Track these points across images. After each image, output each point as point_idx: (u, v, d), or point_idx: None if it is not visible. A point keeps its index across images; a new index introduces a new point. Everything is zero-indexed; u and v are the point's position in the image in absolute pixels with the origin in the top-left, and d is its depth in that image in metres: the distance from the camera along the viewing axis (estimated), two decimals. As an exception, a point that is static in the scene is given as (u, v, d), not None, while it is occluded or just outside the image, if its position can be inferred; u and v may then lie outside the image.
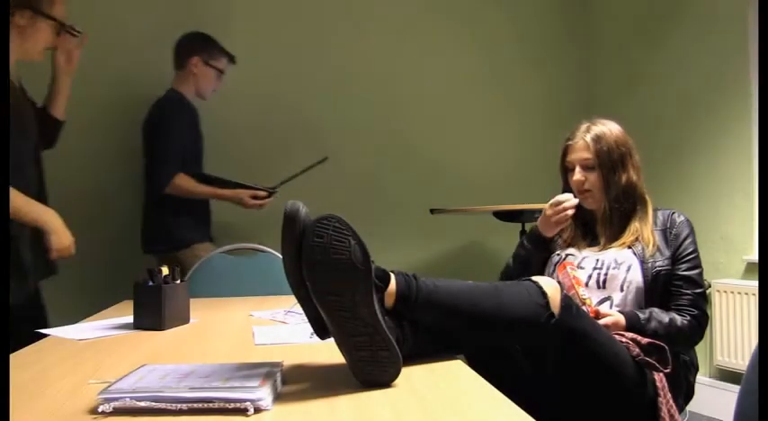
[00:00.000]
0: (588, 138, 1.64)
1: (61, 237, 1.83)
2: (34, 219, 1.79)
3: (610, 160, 1.62)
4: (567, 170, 1.70)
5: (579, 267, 1.62)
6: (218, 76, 2.75)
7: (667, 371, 1.30)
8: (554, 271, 1.65)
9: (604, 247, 1.63)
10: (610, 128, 1.66)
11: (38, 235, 1.82)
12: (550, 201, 1.67)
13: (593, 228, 1.69)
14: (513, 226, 3.06)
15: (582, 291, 1.51)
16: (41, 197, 1.93)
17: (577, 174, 1.65)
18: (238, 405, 0.77)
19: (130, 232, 2.76)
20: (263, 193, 2.67)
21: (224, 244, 2.44)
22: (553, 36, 3.66)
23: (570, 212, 1.64)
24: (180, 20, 2.95)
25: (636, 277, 1.54)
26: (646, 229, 1.60)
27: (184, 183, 2.56)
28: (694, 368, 1.56)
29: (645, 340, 1.35)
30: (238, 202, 2.67)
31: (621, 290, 1.55)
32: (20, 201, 1.74)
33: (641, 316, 1.48)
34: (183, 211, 2.61)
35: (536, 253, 1.72)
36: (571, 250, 1.68)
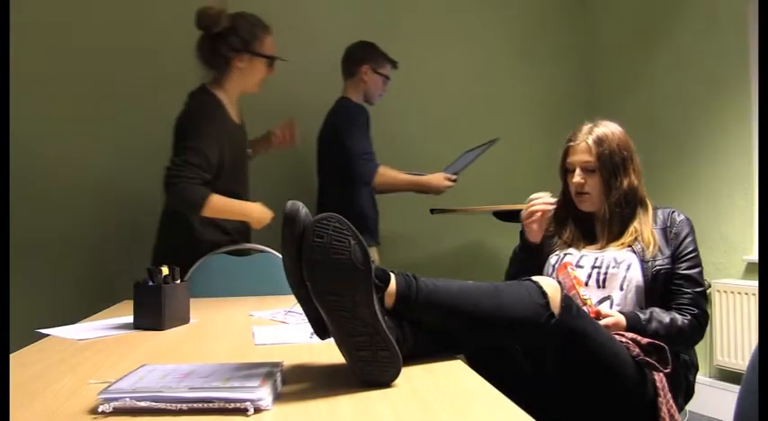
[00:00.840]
0: (590, 140, 1.62)
1: (261, 222, 2.23)
2: (240, 215, 2.23)
3: (612, 164, 1.61)
4: (566, 171, 1.69)
5: (577, 266, 1.61)
6: (384, 82, 2.89)
7: (667, 370, 1.30)
8: (552, 272, 1.64)
9: (603, 247, 1.63)
10: (612, 130, 1.64)
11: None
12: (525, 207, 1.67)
13: (591, 229, 1.69)
14: (513, 226, 3.04)
15: (583, 292, 1.51)
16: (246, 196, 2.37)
17: (577, 177, 1.63)
18: (238, 405, 0.77)
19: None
20: (453, 177, 2.85)
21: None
22: (553, 36, 3.65)
23: (541, 209, 1.64)
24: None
25: (636, 276, 1.54)
26: (646, 231, 1.59)
27: (388, 172, 2.74)
28: (694, 367, 1.56)
29: (645, 340, 1.35)
30: (435, 187, 2.82)
31: (621, 289, 1.54)
32: (227, 204, 2.15)
33: (642, 316, 1.48)
34: (364, 215, 2.75)
35: (529, 260, 1.72)
36: (569, 250, 1.68)
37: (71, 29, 2.93)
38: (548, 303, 1.12)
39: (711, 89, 2.91)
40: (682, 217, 1.62)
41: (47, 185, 2.89)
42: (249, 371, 0.88)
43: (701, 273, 1.57)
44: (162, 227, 2.31)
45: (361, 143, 2.71)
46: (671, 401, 1.34)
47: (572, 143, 1.66)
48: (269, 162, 2.89)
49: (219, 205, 2.10)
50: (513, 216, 2.97)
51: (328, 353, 1.08)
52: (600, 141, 1.61)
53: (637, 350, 1.32)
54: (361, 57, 2.82)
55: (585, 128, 1.66)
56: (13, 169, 2.62)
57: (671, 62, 3.14)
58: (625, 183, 1.61)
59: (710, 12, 2.91)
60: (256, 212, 2.22)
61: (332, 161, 2.78)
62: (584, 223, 1.70)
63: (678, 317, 1.51)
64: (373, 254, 2.75)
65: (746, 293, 2.66)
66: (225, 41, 2.17)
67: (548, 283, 1.16)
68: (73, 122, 2.92)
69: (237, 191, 2.26)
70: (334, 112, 2.80)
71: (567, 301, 1.17)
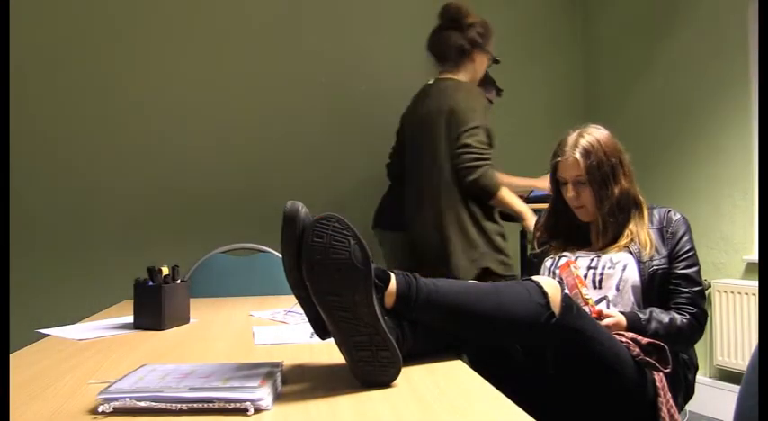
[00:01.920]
0: (577, 154, 1.58)
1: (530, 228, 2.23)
2: (519, 212, 2.33)
3: (601, 174, 1.58)
4: (558, 183, 1.67)
5: (573, 267, 1.60)
6: (487, 105, 2.99)
7: (667, 370, 1.30)
8: (549, 275, 1.63)
9: (599, 251, 1.62)
10: (597, 137, 1.60)
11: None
12: None
13: (585, 234, 1.68)
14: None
15: (585, 291, 1.50)
16: None
17: (570, 191, 1.62)
18: (238, 405, 0.77)
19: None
20: None
21: (224, 244, 2.44)
22: (552, 36, 3.65)
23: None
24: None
25: (632, 276, 1.54)
26: (642, 232, 1.58)
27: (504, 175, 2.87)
28: (693, 367, 1.56)
29: (645, 340, 1.35)
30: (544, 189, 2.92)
31: (618, 289, 1.54)
32: (512, 200, 2.29)
33: (642, 316, 1.48)
34: None
35: None
36: (564, 253, 1.66)
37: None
38: (548, 303, 1.12)
39: (711, 89, 2.91)
40: (678, 216, 1.62)
41: (47, 185, 2.89)
42: (249, 371, 0.88)
43: (698, 272, 1.57)
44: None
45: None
46: (671, 401, 1.34)
47: (559, 158, 1.62)
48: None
49: (506, 199, 2.24)
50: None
51: (328, 353, 1.08)
52: (587, 153, 1.58)
53: (637, 350, 1.31)
54: None
55: (571, 139, 1.62)
56: (14, 168, 2.62)
57: (671, 61, 3.14)
58: (616, 190, 1.59)
59: (710, 12, 2.91)
60: (530, 215, 2.30)
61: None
62: (578, 230, 1.69)
63: (677, 316, 1.50)
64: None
65: (746, 293, 2.66)
66: (472, 31, 2.40)
67: (548, 283, 1.16)
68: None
69: None
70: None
71: (568, 301, 1.17)
